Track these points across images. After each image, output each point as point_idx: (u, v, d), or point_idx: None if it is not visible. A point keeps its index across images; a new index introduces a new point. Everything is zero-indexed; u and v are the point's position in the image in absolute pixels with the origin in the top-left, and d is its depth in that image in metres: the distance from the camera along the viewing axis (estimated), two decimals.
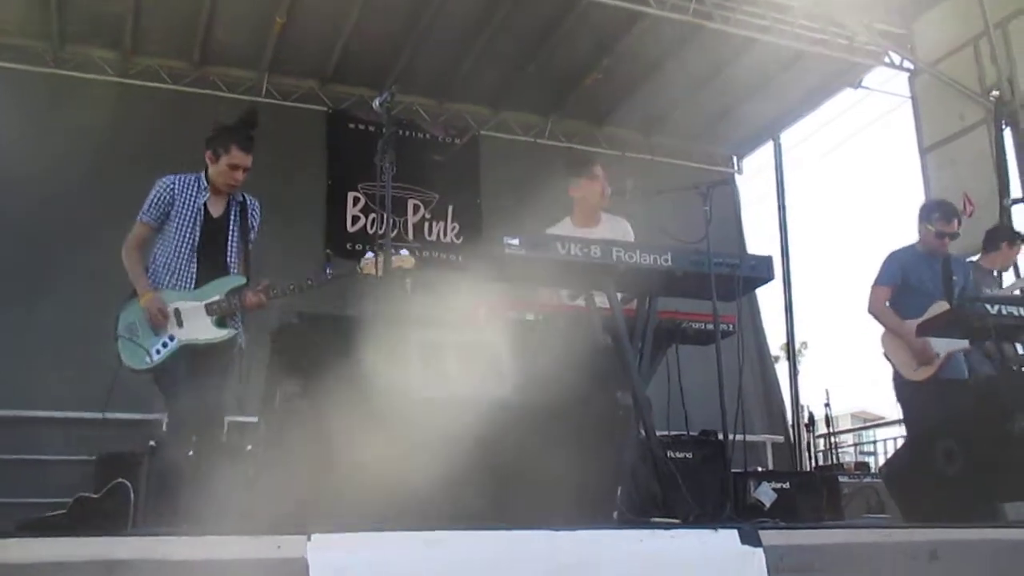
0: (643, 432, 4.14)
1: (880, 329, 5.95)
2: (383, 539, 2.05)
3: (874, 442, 11.31)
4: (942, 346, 5.56)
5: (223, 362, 4.59)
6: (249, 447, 5.55)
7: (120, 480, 5.76)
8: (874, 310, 5.91)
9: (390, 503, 2.16)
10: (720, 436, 5.95)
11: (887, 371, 5.91)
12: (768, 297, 10.40)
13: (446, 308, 5.55)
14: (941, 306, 5.56)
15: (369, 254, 4.68)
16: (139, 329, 4.50)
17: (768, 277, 4.51)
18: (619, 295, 4.24)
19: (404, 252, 4.92)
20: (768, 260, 4.52)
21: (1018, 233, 6.61)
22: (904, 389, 5.77)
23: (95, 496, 5.84)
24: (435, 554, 2.08)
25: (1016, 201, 7.16)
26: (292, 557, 1.98)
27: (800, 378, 9.99)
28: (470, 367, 2.46)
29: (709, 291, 4.26)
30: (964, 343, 5.51)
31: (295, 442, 2.33)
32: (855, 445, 11.55)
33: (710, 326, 4.61)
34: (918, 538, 2.58)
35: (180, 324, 4.49)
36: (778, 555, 2.38)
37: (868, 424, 10.12)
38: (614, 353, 2.83)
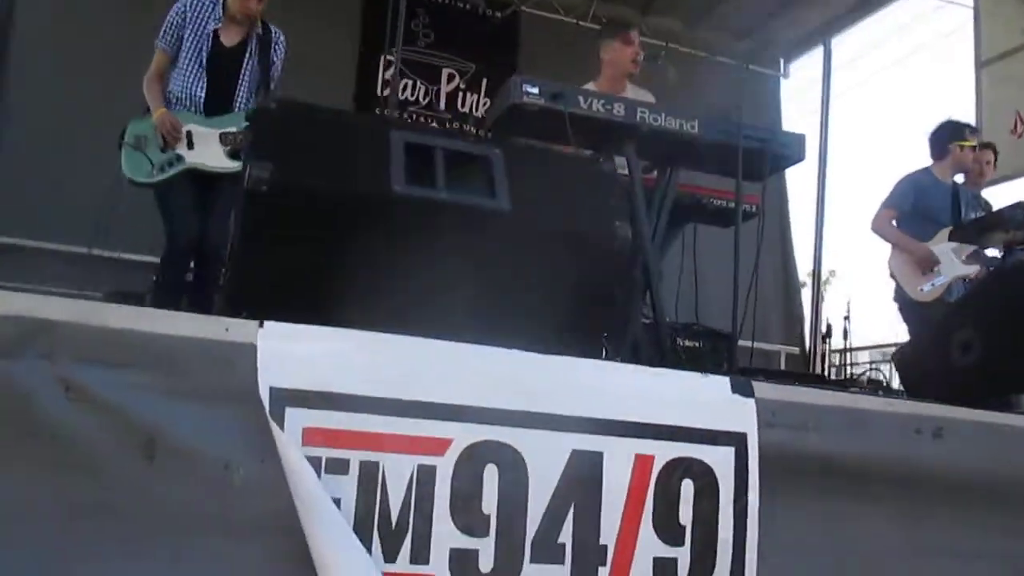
0: (650, 304, 4.03)
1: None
2: (341, 336, 1.91)
3: (890, 365, 11.10)
4: (949, 271, 5.40)
5: (228, 194, 4.45)
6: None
7: None
8: (877, 227, 5.76)
9: (355, 304, 2.00)
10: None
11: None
12: (798, 219, 10.05)
13: None
14: (947, 232, 5.42)
15: None
16: (148, 142, 4.38)
17: (799, 157, 4.26)
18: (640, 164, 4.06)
19: None
20: (801, 139, 4.27)
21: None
22: (910, 310, 5.64)
23: None
24: (394, 358, 1.94)
25: None
26: (241, 342, 1.84)
27: (823, 306, 9.77)
28: (460, 174, 2.28)
29: (735, 166, 4.04)
30: (972, 269, 5.35)
31: (259, 230, 2.16)
32: (873, 368, 11.36)
33: (732, 204, 4.41)
34: (921, 412, 2.42)
35: (191, 146, 4.37)
36: (771, 409, 2.23)
37: (888, 345, 9.89)
38: (616, 183, 2.63)
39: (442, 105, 8.85)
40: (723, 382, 2.21)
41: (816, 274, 10.06)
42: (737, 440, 2.17)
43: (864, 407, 2.40)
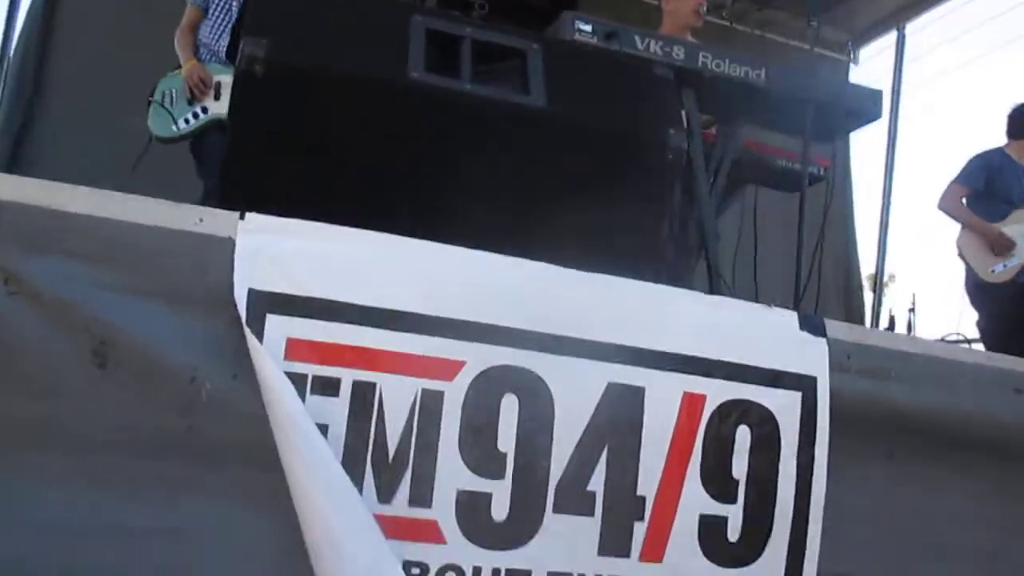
0: (706, 264, 3.70)
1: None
2: (337, 234, 1.61)
3: None
4: (1022, 253, 5.03)
5: None
6: None
7: None
8: (945, 205, 5.38)
9: (362, 201, 1.70)
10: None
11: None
12: (862, 221, 9.55)
13: None
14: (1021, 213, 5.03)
15: None
16: (174, 96, 4.23)
17: (876, 114, 3.88)
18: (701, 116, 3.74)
19: None
20: (877, 94, 3.88)
21: None
22: (981, 293, 5.27)
23: None
24: (399, 263, 1.65)
25: None
26: (218, 235, 1.56)
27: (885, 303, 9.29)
28: (491, 68, 1.97)
29: (804, 121, 3.70)
30: None
31: (254, 115, 1.87)
32: None
33: (797, 166, 4.06)
34: (1007, 366, 2.06)
35: (217, 97, 4.17)
36: (846, 351, 1.89)
37: (951, 339, 9.39)
38: (672, 89, 2.30)
39: None
40: (791, 317, 1.87)
41: (879, 271, 9.58)
42: (805, 384, 1.83)
43: (958, 358, 2.04)
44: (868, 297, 9.83)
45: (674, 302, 1.85)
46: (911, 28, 9.76)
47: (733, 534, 1.76)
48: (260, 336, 1.54)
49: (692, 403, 1.75)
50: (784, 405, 1.81)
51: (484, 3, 4.58)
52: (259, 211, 1.63)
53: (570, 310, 1.72)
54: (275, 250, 1.58)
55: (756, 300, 4.92)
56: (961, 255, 5.38)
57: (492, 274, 1.70)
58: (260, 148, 1.85)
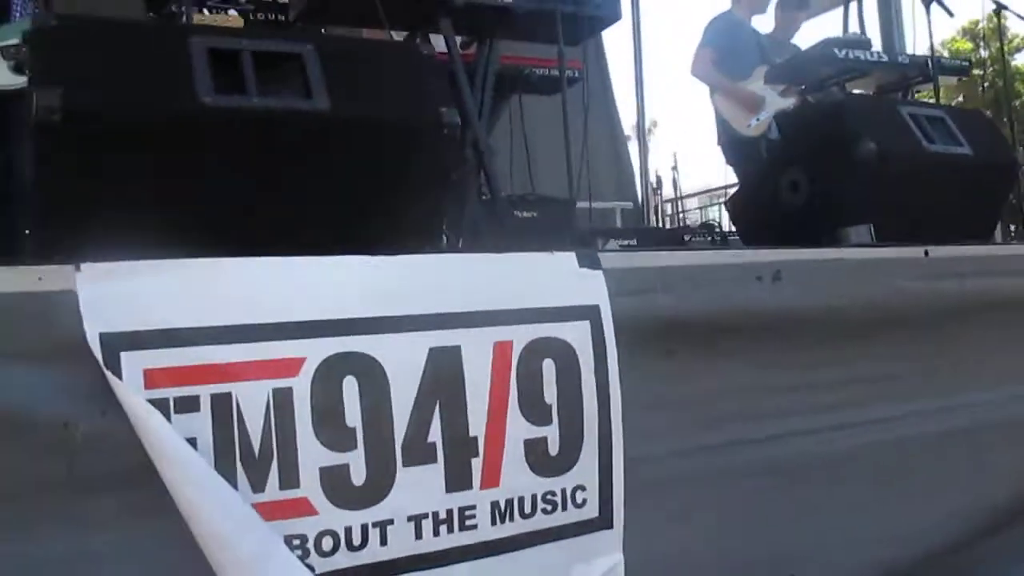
0: (485, 182, 3.98)
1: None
2: (168, 267, 1.78)
3: (718, 205, 11.56)
4: (771, 106, 5.58)
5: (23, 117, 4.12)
6: None
7: None
8: (698, 71, 5.86)
9: (174, 232, 1.86)
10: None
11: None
12: (618, 74, 10.10)
13: None
14: (763, 71, 5.56)
15: None
16: None
17: (615, 16, 4.24)
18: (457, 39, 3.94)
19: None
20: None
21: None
22: (737, 148, 5.81)
23: None
24: (224, 282, 1.83)
25: None
26: (59, 290, 1.70)
27: (650, 157, 9.90)
28: (273, 78, 2.13)
29: (554, 33, 3.98)
30: (790, 100, 5.54)
31: (57, 164, 1.98)
32: (701, 209, 11.78)
33: (555, 72, 4.37)
34: (762, 259, 2.48)
35: None
36: (618, 278, 2.23)
37: (713, 189, 10.22)
38: (438, 67, 2.53)
39: None
40: (570, 258, 2.19)
41: (640, 126, 10.20)
42: (591, 312, 2.17)
43: (706, 262, 2.45)
44: (634, 147, 10.50)
45: (471, 265, 2.13)
46: None
47: (553, 448, 2.11)
48: (119, 373, 1.71)
49: (502, 350, 2.05)
50: (577, 335, 2.14)
51: None
52: (78, 247, 1.77)
53: (387, 293, 1.97)
54: (115, 293, 1.74)
55: (532, 188, 5.32)
56: (718, 114, 5.88)
57: (311, 274, 1.92)
58: (69, 195, 1.96)
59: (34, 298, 1.70)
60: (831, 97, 3.67)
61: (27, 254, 2.06)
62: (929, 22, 5.17)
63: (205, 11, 4.42)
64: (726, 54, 5.79)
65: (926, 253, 2.81)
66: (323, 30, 3.88)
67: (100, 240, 1.81)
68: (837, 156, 3.04)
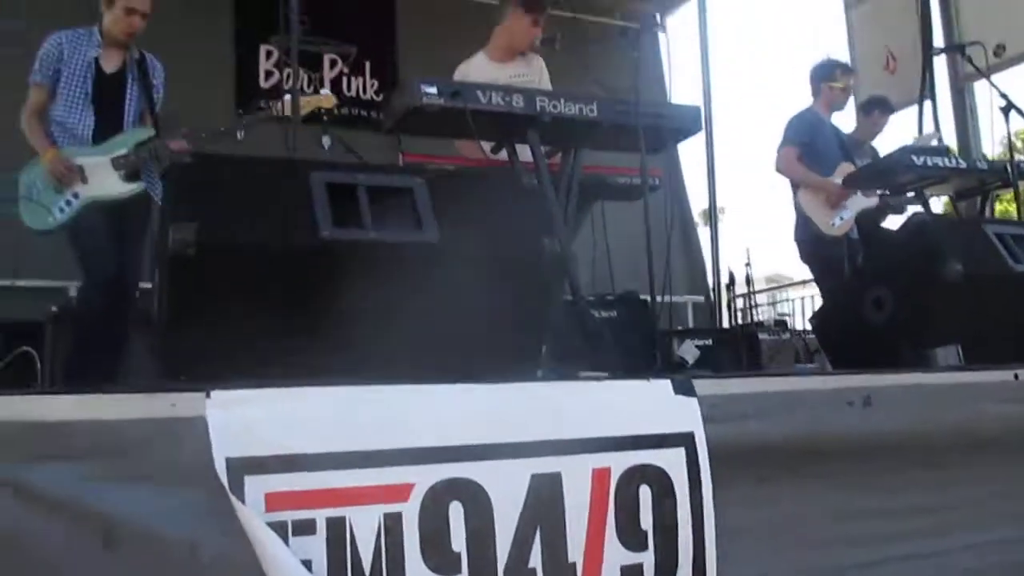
0: (568, 287, 4.08)
1: (790, 190, 5.95)
2: (290, 395, 1.89)
3: (787, 300, 11.52)
4: (854, 204, 5.62)
5: (140, 220, 4.37)
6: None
7: (24, 348, 5.55)
8: (785, 168, 5.89)
9: (297, 357, 1.98)
10: (642, 297, 6.01)
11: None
12: (688, 159, 10.25)
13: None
14: (847, 167, 5.60)
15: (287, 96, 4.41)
16: (40, 188, 4.23)
17: (695, 129, 4.36)
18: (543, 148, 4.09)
19: (325, 91, 4.69)
20: (695, 111, 4.37)
21: (891, 104, 6.63)
22: (816, 247, 5.82)
23: None
24: (346, 411, 1.93)
25: (942, 50, 7.08)
26: (190, 416, 1.81)
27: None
28: (385, 210, 2.26)
29: (636, 143, 4.10)
30: (873, 200, 5.58)
31: (189, 293, 2.11)
32: (771, 304, 11.74)
33: (636, 180, 4.48)
34: (852, 384, 2.52)
35: (85, 180, 4.23)
36: (712, 404, 2.29)
37: (784, 284, 10.21)
38: (539, 200, 2.64)
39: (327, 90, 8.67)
40: (665, 385, 2.26)
41: (712, 211, 10.25)
42: (686, 440, 2.23)
43: (797, 388, 2.49)
44: (704, 232, 10.57)
45: (572, 392, 2.21)
46: None
47: (649, 574, 2.15)
48: (242, 497, 1.81)
49: (600, 477, 2.12)
50: (672, 461, 2.20)
51: (305, 18, 4.84)
52: (204, 369, 1.89)
53: (491, 420, 2.05)
54: (241, 419, 1.85)
55: (612, 288, 5.40)
56: (800, 211, 5.91)
57: (423, 402, 2.01)
58: (198, 321, 2.09)
59: (167, 424, 1.82)
60: (916, 217, 3.71)
61: (158, 377, 2.18)
62: (1008, 131, 5.21)
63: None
64: (809, 151, 5.85)
65: (1016, 376, 2.82)
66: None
67: (227, 365, 1.92)
68: (922, 276, 3.08)
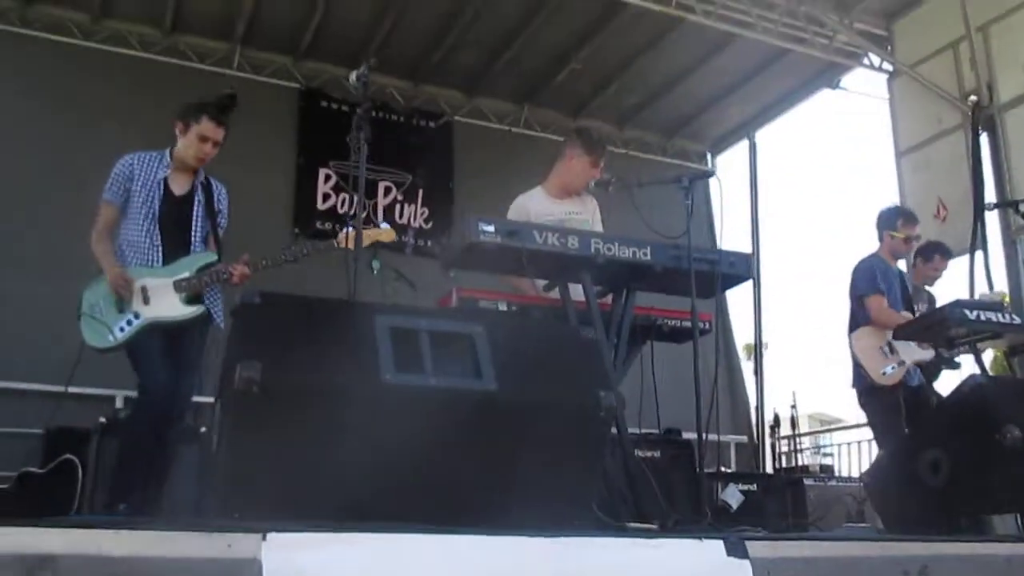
0: (615, 429, 4.07)
1: (845, 332, 5.90)
2: (344, 540, 1.89)
3: (832, 445, 11.31)
4: (908, 355, 5.55)
5: (197, 342, 4.45)
6: (203, 429, 5.40)
7: (68, 456, 5.59)
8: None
9: (353, 500, 1.99)
10: (684, 435, 5.97)
11: (845, 374, 5.87)
12: (733, 296, 10.28)
13: (415, 294, 5.42)
14: (905, 315, 5.55)
15: (349, 227, 4.52)
16: (102, 307, 4.31)
17: (747, 275, 4.41)
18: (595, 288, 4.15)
19: (385, 225, 4.81)
20: (747, 258, 4.43)
21: (949, 249, 6.60)
22: (871, 395, 5.73)
23: (40, 472, 5.65)
24: (400, 558, 1.93)
25: (995, 206, 7.10)
26: (245, 557, 1.82)
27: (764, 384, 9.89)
28: (446, 355, 2.30)
29: (687, 287, 4.15)
30: (928, 353, 5.50)
31: (251, 430, 2.15)
32: (817, 448, 11.54)
33: (685, 323, 4.51)
34: (908, 552, 2.47)
35: (146, 301, 4.31)
36: (765, 568, 2.25)
37: (833, 427, 10.06)
38: (595, 350, 2.67)
39: (380, 217, 8.90)
40: (718, 547, 2.23)
41: (758, 349, 10.22)
42: None
43: (853, 554, 2.44)
44: (747, 365, 10.50)
45: (622, 548, 2.19)
46: (760, 135, 10.62)
47: None
48: None
49: None
50: None
51: (368, 144, 4.97)
52: (263, 514, 1.90)
53: (542, 572, 2.04)
54: (297, 563, 1.85)
55: (658, 425, 5.37)
56: (854, 358, 5.84)
57: (478, 554, 2.00)
58: (259, 459, 2.12)
59: (221, 564, 1.82)
60: (973, 379, 3.67)
61: (213, 514, 2.20)
62: None
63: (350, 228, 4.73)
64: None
65: None
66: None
67: (283, 504, 1.94)
68: (980, 441, 3.04)
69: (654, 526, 2.94)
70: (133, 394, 4.49)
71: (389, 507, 1.98)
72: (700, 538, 2.24)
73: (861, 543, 2.51)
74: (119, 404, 6.96)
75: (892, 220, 5.98)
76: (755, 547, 2.27)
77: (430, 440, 2.24)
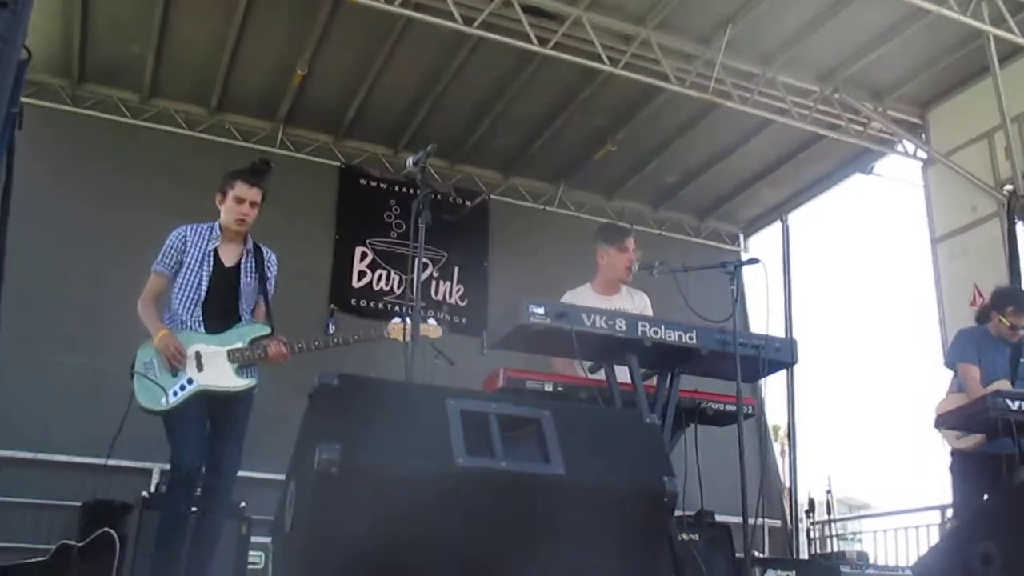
0: None
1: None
2: None
3: (862, 532, 11.13)
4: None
5: (242, 414, 4.49)
6: (243, 504, 5.42)
7: (105, 529, 5.62)
8: (976, 390, 5.65)
9: None
10: (719, 518, 5.94)
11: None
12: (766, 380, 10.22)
13: (452, 372, 5.48)
14: (1003, 384, 5.47)
15: (396, 319, 4.61)
16: (157, 368, 4.34)
17: (792, 361, 4.45)
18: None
19: (432, 322, 4.89)
20: (792, 343, 4.47)
21: None
22: (953, 457, 5.68)
23: (78, 544, 5.68)
24: None
25: None
26: None
27: (786, 460, 9.79)
28: (514, 436, 2.35)
29: (732, 371, 4.20)
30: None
31: (328, 511, 2.19)
32: (852, 534, 11.38)
33: (729, 407, 4.54)
34: None
35: (200, 368, 4.36)
36: None
37: (871, 514, 9.95)
38: (657, 433, 2.72)
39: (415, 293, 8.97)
40: None
41: (791, 434, 10.12)
42: None
43: None
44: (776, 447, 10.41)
45: None
46: (792, 218, 10.70)
47: None
48: None
49: None
50: None
51: (401, 223, 5.02)
52: None
53: None
54: None
55: (703, 506, 5.36)
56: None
57: None
58: (338, 538, 2.17)
59: None
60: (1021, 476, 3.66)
61: None
62: None
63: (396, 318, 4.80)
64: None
65: None
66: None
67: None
68: None
69: None
70: (167, 466, 4.50)
71: None
72: None
73: None
74: (155, 477, 7.02)
75: (1003, 305, 5.82)
76: None
77: (499, 523, 2.28)
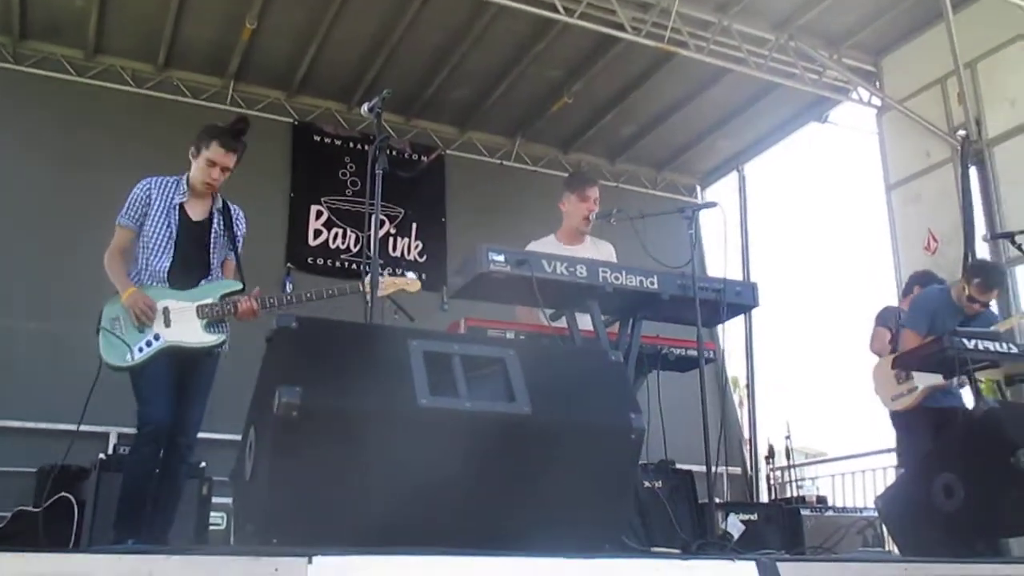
0: None
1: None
2: (389, 563, 1.90)
3: (818, 477, 11.32)
4: (922, 380, 5.59)
5: (208, 371, 4.40)
6: (203, 464, 5.36)
7: (63, 494, 5.53)
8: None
9: (390, 523, 2.00)
10: (677, 466, 6.00)
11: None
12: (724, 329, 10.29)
13: (413, 327, 5.41)
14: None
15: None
16: (123, 324, 4.22)
17: (753, 304, 4.45)
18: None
19: (411, 275, 4.81)
20: (753, 287, 4.47)
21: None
22: (894, 416, 5.80)
23: (35, 510, 5.59)
24: None
25: (994, 237, 7.19)
26: None
27: (745, 410, 9.90)
28: (478, 376, 2.32)
29: (693, 316, 4.19)
30: (939, 379, 5.53)
31: (290, 455, 2.15)
32: (811, 479, 11.56)
33: (691, 352, 4.55)
34: (931, 573, 2.49)
35: (168, 323, 4.23)
36: None
37: (828, 459, 10.07)
38: (623, 372, 2.70)
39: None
40: (750, 567, 2.24)
41: (751, 383, 10.20)
42: None
43: (879, 574, 2.46)
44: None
45: (665, 570, 2.20)
46: (749, 168, 10.73)
47: None
48: None
49: None
50: None
51: (356, 180, 4.95)
52: (302, 538, 1.91)
53: None
54: None
55: (666, 454, 5.38)
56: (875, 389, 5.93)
57: (500, 571, 2.01)
58: (300, 482, 2.13)
59: None
60: (985, 404, 3.70)
61: (257, 537, 2.19)
62: None
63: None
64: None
65: None
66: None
67: (327, 527, 1.95)
68: (994, 465, 3.07)
69: (676, 551, 2.96)
70: (128, 430, 4.38)
71: (425, 530, 1.98)
72: (732, 559, 2.26)
73: (886, 564, 2.53)
74: (113, 440, 6.91)
75: (973, 276, 5.81)
76: (786, 568, 2.29)
77: (465, 463, 2.26)
